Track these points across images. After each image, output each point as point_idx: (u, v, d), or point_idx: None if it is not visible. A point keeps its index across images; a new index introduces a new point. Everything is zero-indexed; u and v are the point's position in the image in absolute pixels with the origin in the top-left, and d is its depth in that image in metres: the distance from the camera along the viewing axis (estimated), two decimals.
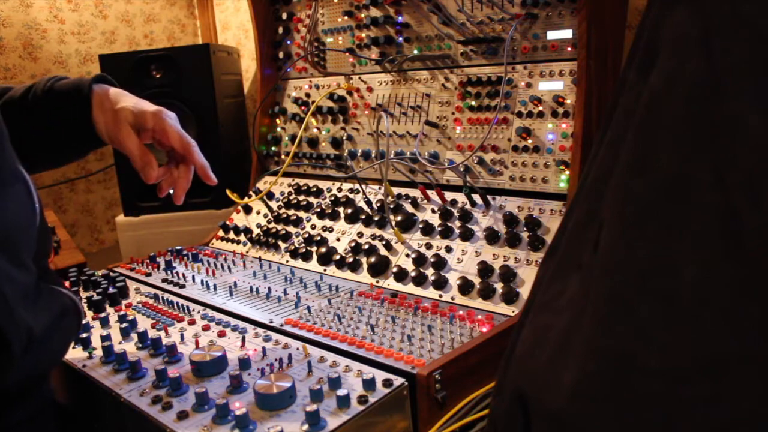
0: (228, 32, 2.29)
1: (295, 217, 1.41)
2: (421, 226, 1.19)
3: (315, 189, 1.46)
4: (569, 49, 1.13)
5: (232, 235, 1.49)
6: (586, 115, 1.07)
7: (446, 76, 1.31)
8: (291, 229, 1.41)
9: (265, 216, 1.49)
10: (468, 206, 1.18)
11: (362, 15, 1.44)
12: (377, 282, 1.15)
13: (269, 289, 1.13)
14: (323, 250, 1.26)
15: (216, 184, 0.93)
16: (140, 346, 0.92)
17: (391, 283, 1.13)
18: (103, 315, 1.02)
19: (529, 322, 0.45)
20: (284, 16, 1.61)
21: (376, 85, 1.44)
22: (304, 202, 1.44)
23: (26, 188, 0.65)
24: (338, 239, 1.30)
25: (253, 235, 1.44)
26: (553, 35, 1.14)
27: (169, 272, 1.28)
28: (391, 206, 1.27)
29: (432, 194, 1.25)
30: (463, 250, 1.11)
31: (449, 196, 1.23)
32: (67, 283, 1.20)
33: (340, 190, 1.43)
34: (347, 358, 0.83)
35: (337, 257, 1.23)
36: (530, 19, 1.16)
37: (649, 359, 0.33)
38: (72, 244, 1.51)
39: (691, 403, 0.31)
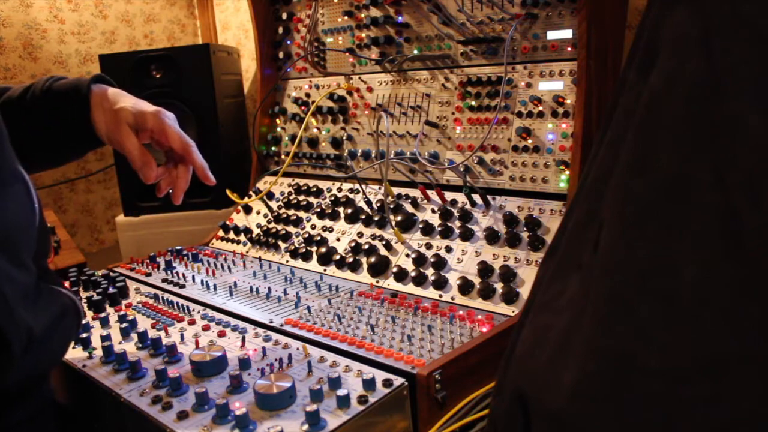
0: (228, 32, 2.29)
1: (295, 217, 1.41)
2: (421, 226, 1.19)
3: (315, 189, 1.46)
4: (569, 49, 1.13)
5: (232, 235, 1.49)
6: (586, 115, 1.07)
7: (446, 76, 1.31)
8: (291, 229, 1.41)
9: (265, 216, 1.49)
10: (468, 206, 1.18)
11: (362, 15, 1.44)
12: (377, 282, 1.15)
13: (269, 289, 1.13)
14: (323, 250, 1.26)
15: (215, 185, 0.93)
16: (140, 346, 0.92)
17: (391, 283, 1.13)
18: (103, 315, 1.02)
19: (529, 322, 0.45)
20: (284, 16, 1.61)
21: (376, 85, 1.44)
22: (304, 202, 1.44)
23: (26, 188, 0.65)
24: (338, 239, 1.30)
25: (253, 235, 1.44)
26: (553, 35, 1.14)
27: (169, 272, 1.28)
28: (391, 206, 1.27)
29: (432, 194, 1.25)
30: (463, 250, 1.11)
31: (449, 196, 1.23)
32: (67, 283, 1.20)
33: (340, 190, 1.43)
34: (347, 358, 0.83)
35: (337, 257, 1.23)
36: (530, 19, 1.16)
37: (649, 359, 0.33)
38: (72, 244, 1.51)
39: (691, 403, 0.31)
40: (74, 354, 0.92)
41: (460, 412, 0.79)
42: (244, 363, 0.81)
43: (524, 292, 0.99)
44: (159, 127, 0.87)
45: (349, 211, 1.32)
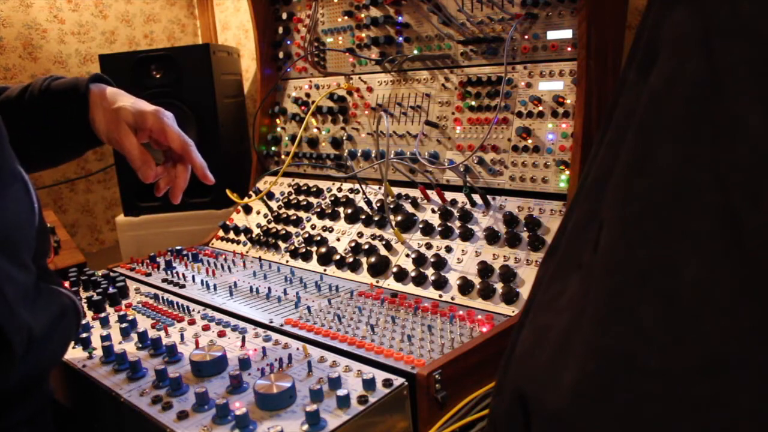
0: (228, 32, 2.29)
1: (295, 217, 1.41)
2: (421, 226, 1.19)
3: (315, 189, 1.46)
4: (569, 49, 1.13)
5: (232, 235, 1.49)
6: (586, 115, 1.07)
7: (446, 76, 1.31)
8: (291, 229, 1.41)
9: (265, 216, 1.49)
10: (468, 206, 1.18)
11: (362, 15, 1.44)
12: (377, 282, 1.15)
13: (269, 289, 1.13)
14: (323, 250, 1.26)
15: (214, 184, 0.93)
16: (140, 346, 0.92)
17: (391, 283, 1.13)
18: (103, 315, 1.02)
19: (529, 322, 0.44)
20: (284, 16, 1.61)
21: (376, 85, 1.44)
22: (304, 202, 1.44)
23: (25, 188, 0.65)
24: (338, 239, 1.30)
25: (253, 235, 1.44)
26: (553, 35, 1.14)
27: (169, 272, 1.28)
28: (391, 206, 1.27)
29: (432, 194, 1.25)
30: (463, 250, 1.11)
31: (449, 196, 1.23)
32: (67, 283, 1.20)
33: (340, 190, 1.43)
34: (347, 358, 0.83)
35: (337, 257, 1.23)
36: (530, 19, 1.16)
37: (649, 359, 0.33)
38: (72, 244, 1.51)
39: (691, 403, 0.31)
40: (74, 354, 0.92)
41: (460, 412, 0.79)
42: (244, 363, 0.81)
43: (524, 292, 0.99)
44: (158, 126, 0.87)
45: (349, 211, 1.32)
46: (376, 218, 1.27)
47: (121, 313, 1.04)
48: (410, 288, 1.10)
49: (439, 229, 1.17)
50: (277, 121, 1.66)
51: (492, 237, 1.09)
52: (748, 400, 0.30)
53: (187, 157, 0.89)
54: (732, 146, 0.32)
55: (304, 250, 1.30)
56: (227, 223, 1.53)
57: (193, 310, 1.05)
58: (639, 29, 0.40)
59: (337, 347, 0.87)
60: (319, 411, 0.68)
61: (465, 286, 1.04)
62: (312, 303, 1.06)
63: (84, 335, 0.94)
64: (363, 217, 1.30)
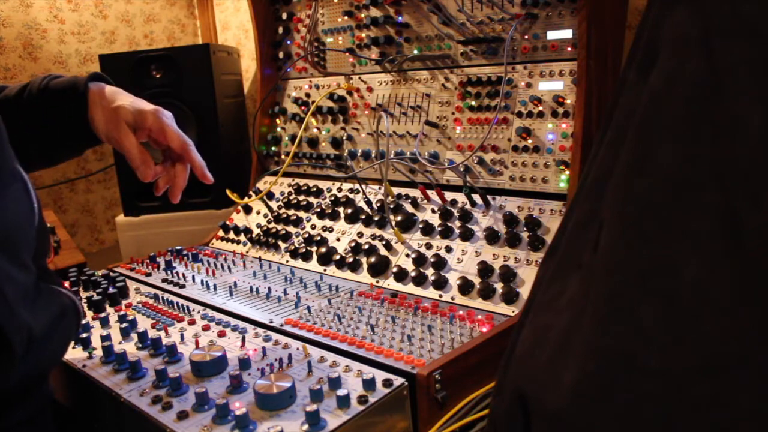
0: (228, 32, 2.29)
1: (295, 217, 1.41)
2: (421, 226, 1.19)
3: (315, 189, 1.46)
4: (569, 49, 1.13)
5: (232, 235, 1.49)
6: (586, 115, 1.07)
7: (446, 76, 1.31)
8: (291, 229, 1.41)
9: (265, 216, 1.49)
10: (468, 206, 1.18)
11: (362, 15, 1.44)
12: (377, 282, 1.15)
13: (269, 289, 1.13)
14: (323, 250, 1.26)
15: (213, 183, 0.93)
16: (140, 346, 0.92)
17: (391, 283, 1.13)
18: (103, 315, 1.02)
19: (529, 322, 0.45)
20: (284, 16, 1.61)
21: (376, 85, 1.44)
22: (304, 202, 1.44)
23: (24, 187, 0.65)
24: (338, 239, 1.30)
25: (253, 235, 1.44)
26: (553, 35, 1.14)
27: (169, 272, 1.28)
28: (391, 206, 1.27)
29: (432, 194, 1.25)
30: (463, 250, 1.11)
31: (449, 196, 1.23)
32: (67, 283, 1.20)
33: (340, 190, 1.43)
34: (347, 358, 0.83)
35: (337, 257, 1.23)
36: (530, 19, 1.16)
37: (649, 359, 0.33)
38: (72, 244, 1.51)
39: (691, 403, 0.31)
40: (74, 354, 0.92)
41: (460, 412, 0.79)
42: (244, 363, 0.81)
43: (524, 292, 0.99)
44: (157, 125, 0.87)
45: (349, 211, 1.32)
46: (376, 218, 1.27)
47: (121, 313, 1.04)
48: (410, 288, 1.10)
49: (439, 229, 1.17)
50: (277, 121, 1.66)
51: (492, 237, 1.09)
52: (748, 400, 0.30)
53: (186, 157, 0.89)
54: (732, 146, 0.32)
55: (304, 250, 1.30)
56: (227, 223, 1.53)
57: (193, 310, 1.05)
58: (639, 29, 0.40)
59: (337, 347, 0.87)
60: (319, 411, 0.68)
61: (465, 286, 1.04)
62: (312, 303, 1.06)
63: (84, 335, 0.94)
64: (363, 217, 1.30)
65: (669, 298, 0.33)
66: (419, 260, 1.12)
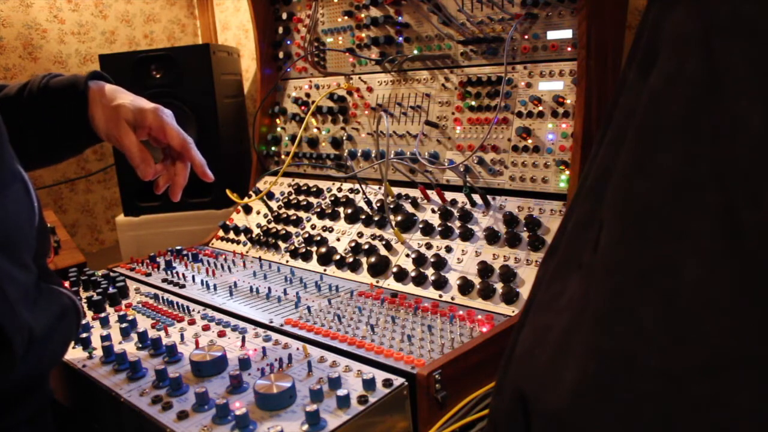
0: (228, 32, 2.29)
1: (295, 217, 1.41)
2: (421, 226, 1.19)
3: (315, 189, 1.46)
4: (569, 49, 1.13)
5: (232, 235, 1.49)
6: (586, 115, 1.07)
7: (446, 76, 1.31)
8: (291, 229, 1.41)
9: (265, 216, 1.49)
10: (468, 206, 1.18)
11: (362, 15, 1.44)
12: (377, 282, 1.15)
13: (269, 289, 1.13)
14: (323, 250, 1.26)
15: (213, 181, 0.93)
16: (140, 346, 0.92)
17: (391, 283, 1.13)
18: (103, 315, 1.02)
19: (529, 322, 0.45)
20: (284, 16, 1.61)
21: (376, 85, 1.44)
22: (304, 202, 1.44)
23: (25, 187, 0.65)
24: (338, 239, 1.30)
25: (253, 235, 1.44)
26: (553, 35, 1.14)
27: (169, 272, 1.28)
28: (391, 206, 1.27)
29: (432, 194, 1.25)
30: (463, 250, 1.11)
31: (449, 196, 1.23)
32: (67, 283, 1.20)
33: (340, 190, 1.43)
34: (347, 358, 0.83)
35: (337, 257, 1.23)
36: (530, 19, 1.16)
37: (649, 359, 0.33)
38: (72, 244, 1.51)
39: (691, 403, 0.31)
40: (74, 354, 0.92)
41: (460, 412, 0.79)
42: (244, 363, 0.81)
43: (524, 292, 0.99)
44: (158, 124, 0.87)
45: (349, 211, 1.32)
46: (376, 218, 1.27)
47: (121, 313, 1.04)
48: (410, 288, 1.10)
49: (439, 229, 1.17)
50: (277, 121, 1.66)
51: (492, 237, 1.09)
52: (748, 400, 0.30)
53: (186, 155, 0.89)
54: (732, 146, 0.32)
55: (304, 250, 1.30)
56: (227, 223, 1.53)
57: (193, 310, 1.05)
58: (639, 29, 0.40)
59: (337, 347, 0.87)
60: (319, 411, 0.68)
61: (465, 286, 1.04)
62: (312, 303, 1.06)
63: (84, 335, 0.94)
64: (363, 217, 1.30)
65: (669, 298, 0.33)
66: (419, 260, 1.12)
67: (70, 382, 0.92)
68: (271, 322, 0.98)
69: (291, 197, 1.49)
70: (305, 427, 0.67)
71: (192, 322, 1.00)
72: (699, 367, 0.31)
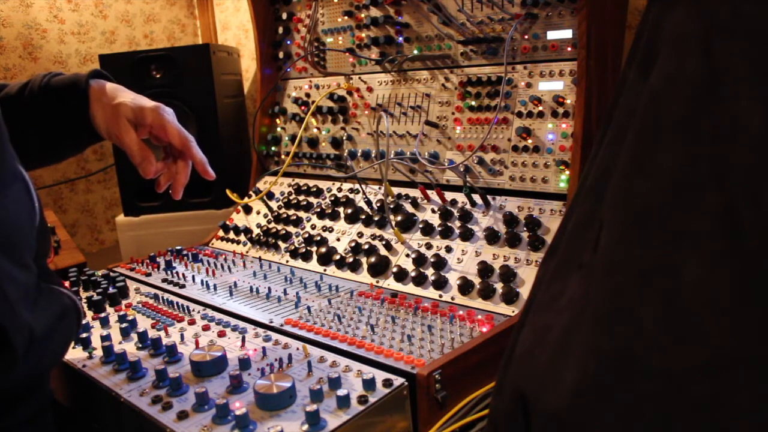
0: (228, 32, 2.29)
1: (295, 217, 1.41)
2: (421, 226, 1.19)
3: (315, 189, 1.46)
4: (569, 49, 1.13)
5: (232, 235, 1.49)
6: (586, 115, 1.07)
7: (446, 76, 1.31)
8: (291, 229, 1.41)
9: (265, 216, 1.49)
10: (468, 206, 1.18)
11: (362, 15, 1.44)
12: (377, 282, 1.15)
13: (269, 289, 1.13)
14: (323, 250, 1.26)
15: (214, 179, 0.93)
16: (140, 346, 0.92)
17: (391, 283, 1.13)
18: (103, 315, 1.02)
19: (529, 322, 0.45)
20: (284, 16, 1.61)
21: (376, 85, 1.44)
22: (304, 202, 1.44)
23: (25, 187, 0.65)
24: (338, 239, 1.30)
25: (253, 235, 1.44)
26: (553, 35, 1.14)
27: (169, 272, 1.28)
28: (391, 206, 1.27)
29: (432, 194, 1.25)
30: (463, 250, 1.11)
31: (449, 196, 1.23)
32: (67, 283, 1.20)
33: (340, 190, 1.43)
34: (347, 358, 0.83)
35: (337, 257, 1.23)
36: (530, 19, 1.16)
37: (649, 359, 0.33)
38: (72, 244, 1.51)
39: (691, 403, 0.31)
40: (74, 354, 0.92)
41: (460, 412, 0.79)
42: (244, 363, 0.81)
43: (524, 292, 0.99)
44: (158, 122, 0.87)
45: (349, 211, 1.32)
46: (376, 218, 1.27)
47: (121, 313, 1.04)
48: (410, 288, 1.10)
49: (439, 229, 1.17)
50: (277, 121, 1.66)
51: (492, 237, 1.09)
52: (748, 400, 0.30)
53: (187, 153, 0.89)
54: (732, 146, 0.32)
55: (304, 250, 1.30)
56: (227, 223, 1.53)
57: (193, 310, 1.05)
58: (639, 29, 0.40)
59: (337, 347, 0.87)
60: (319, 411, 0.68)
61: (465, 286, 1.04)
62: (312, 303, 1.06)
63: (84, 335, 0.94)
64: (363, 217, 1.30)
65: (669, 298, 0.33)
66: (419, 260, 1.12)
67: (70, 382, 0.92)
68: (271, 322, 0.98)
69: (291, 197, 1.49)
70: (305, 427, 0.67)
71: (192, 322, 1.00)
72: (699, 367, 0.31)
